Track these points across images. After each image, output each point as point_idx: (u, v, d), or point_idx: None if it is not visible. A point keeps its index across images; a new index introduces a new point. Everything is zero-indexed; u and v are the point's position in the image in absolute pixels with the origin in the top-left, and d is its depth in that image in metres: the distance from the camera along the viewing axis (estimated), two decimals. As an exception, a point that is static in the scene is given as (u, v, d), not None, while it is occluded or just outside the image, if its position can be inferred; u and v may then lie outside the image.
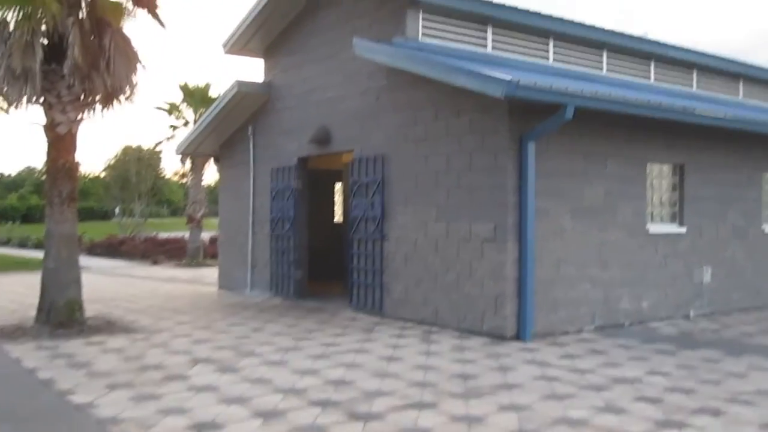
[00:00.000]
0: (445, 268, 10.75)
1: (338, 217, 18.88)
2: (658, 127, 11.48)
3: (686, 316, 12.06)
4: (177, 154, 18.12)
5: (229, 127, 16.22)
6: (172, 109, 27.19)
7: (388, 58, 11.04)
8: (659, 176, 12.02)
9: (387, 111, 11.93)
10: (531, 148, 9.77)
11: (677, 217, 12.21)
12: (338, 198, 18.97)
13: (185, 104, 27.24)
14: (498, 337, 9.84)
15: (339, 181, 18.43)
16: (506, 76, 8.87)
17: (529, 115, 9.85)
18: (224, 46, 15.36)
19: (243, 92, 14.89)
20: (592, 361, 8.51)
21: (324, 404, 6.59)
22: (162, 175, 47.50)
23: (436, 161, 10.95)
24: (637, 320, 11.32)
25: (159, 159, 41.49)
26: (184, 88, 26.96)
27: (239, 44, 15.19)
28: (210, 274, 21.90)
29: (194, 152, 17.42)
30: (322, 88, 13.56)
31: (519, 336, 9.81)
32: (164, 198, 79.43)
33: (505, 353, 8.95)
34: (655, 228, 11.66)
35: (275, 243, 14.87)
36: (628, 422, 6.10)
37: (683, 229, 12.09)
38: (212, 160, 25.56)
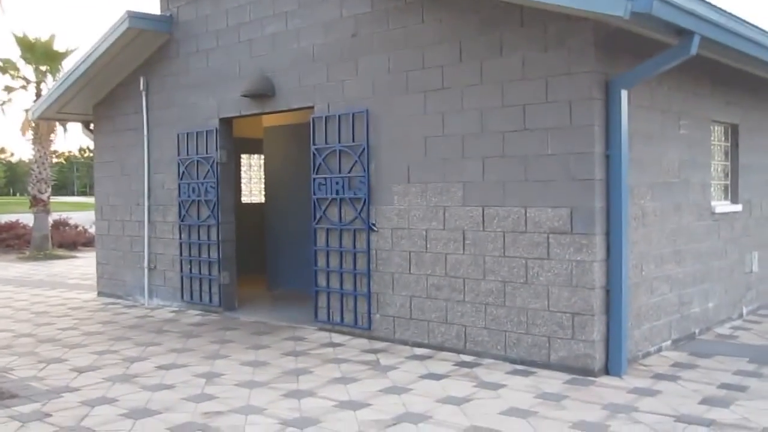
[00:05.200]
0: (480, 273, 7.55)
1: (247, 197, 15.14)
2: (719, 78, 8.90)
3: (740, 314, 9.66)
4: (32, 119, 13.62)
5: (109, 79, 12.02)
6: (8, 66, 21.80)
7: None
8: (715, 140, 9.46)
9: (371, 50, 8.49)
10: (623, 98, 6.77)
11: (730, 191, 9.73)
12: (250, 173, 15.22)
13: (24, 62, 22.01)
14: (580, 371, 6.82)
15: (249, 152, 14.73)
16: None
17: (618, 51, 6.86)
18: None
19: (136, 29, 10.79)
20: (756, 408, 5.70)
21: None
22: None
23: (461, 120, 7.68)
24: (705, 326, 8.73)
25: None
26: (22, 41, 21.65)
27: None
28: (68, 270, 17.43)
29: (56, 116, 13.02)
30: (258, 22, 9.84)
31: (608, 369, 6.86)
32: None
33: (623, 404, 5.95)
34: (718, 207, 9.09)
35: (187, 235, 11.02)
36: None
37: (739, 207, 9.62)
38: (62, 127, 20.85)
